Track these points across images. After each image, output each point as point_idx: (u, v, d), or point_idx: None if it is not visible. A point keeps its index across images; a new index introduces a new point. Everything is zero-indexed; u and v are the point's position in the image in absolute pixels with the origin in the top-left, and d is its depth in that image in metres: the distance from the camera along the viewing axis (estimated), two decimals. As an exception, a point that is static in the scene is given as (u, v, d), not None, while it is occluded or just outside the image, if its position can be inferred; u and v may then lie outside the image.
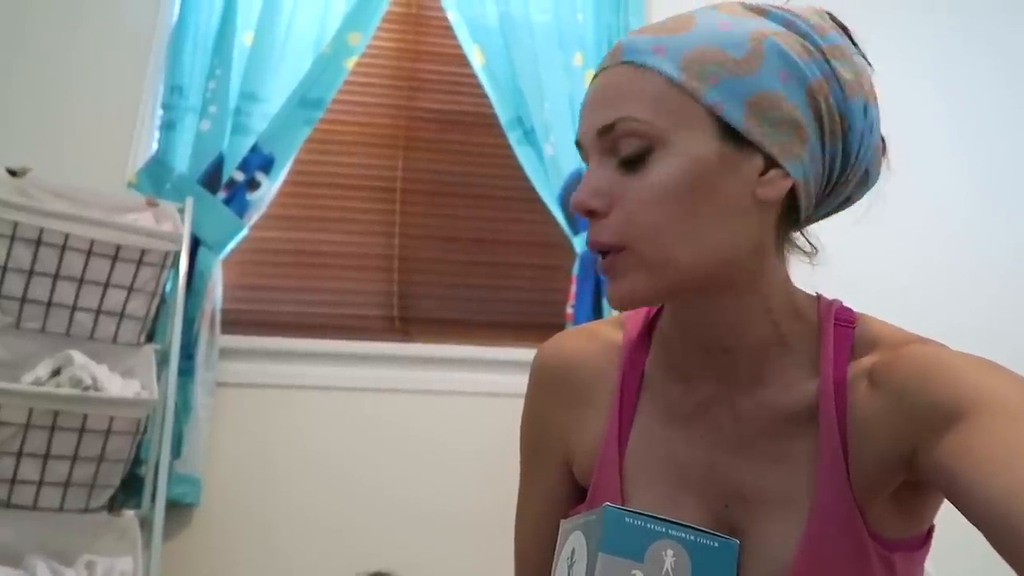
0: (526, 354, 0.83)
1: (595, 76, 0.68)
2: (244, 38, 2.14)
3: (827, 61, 0.65)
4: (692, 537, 0.58)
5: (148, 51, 2.15)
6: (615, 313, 0.79)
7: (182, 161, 2.04)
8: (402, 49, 2.41)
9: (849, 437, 0.65)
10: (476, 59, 2.31)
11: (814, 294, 0.73)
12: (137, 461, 1.81)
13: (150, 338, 1.88)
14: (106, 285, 1.76)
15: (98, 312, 1.77)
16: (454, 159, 2.38)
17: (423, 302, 2.31)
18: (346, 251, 2.28)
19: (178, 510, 1.91)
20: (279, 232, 2.23)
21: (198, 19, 2.13)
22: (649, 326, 0.77)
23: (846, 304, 0.72)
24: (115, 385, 1.71)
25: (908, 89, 2.56)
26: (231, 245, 2.07)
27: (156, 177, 2.01)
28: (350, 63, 2.19)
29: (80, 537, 1.67)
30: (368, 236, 2.30)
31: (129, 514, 1.72)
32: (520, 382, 0.83)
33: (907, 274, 2.36)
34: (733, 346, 0.69)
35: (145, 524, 1.73)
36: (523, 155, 2.28)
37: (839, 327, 0.69)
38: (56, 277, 1.72)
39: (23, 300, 1.71)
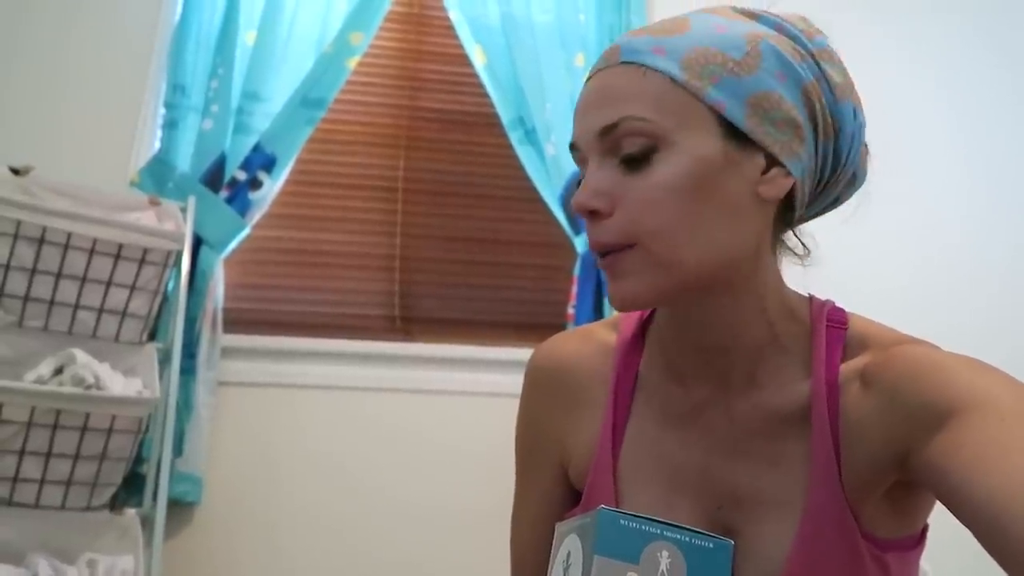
0: (527, 354, 0.84)
1: (590, 78, 0.68)
2: (246, 37, 2.15)
3: (817, 64, 0.66)
4: (687, 538, 0.58)
5: (150, 50, 2.15)
6: (615, 314, 0.80)
7: (184, 160, 2.04)
8: (404, 49, 2.41)
9: (842, 438, 0.65)
10: (478, 59, 2.31)
11: (806, 295, 0.74)
12: (139, 460, 1.82)
13: (152, 337, 1.89)
14: (108, 284, 1.77)
15: (100, 311, 1.77)
16: (456, 159, 2.38)
17: (424, 302, 2.31)
18: (348, 250, 2.28)
19: (180, 509, 1.92)
20: (281, 231, 2.23)
21: (200, 18, 2.13)
22: (643, 327, 0.78)
23: (839, 305, 0.73)
24: (117, 384, 1.72)
25: (909, 88, 2.56)
26: (233, 244, 2.07)
27: (158, 176, 2.02)
28: (352, 63, 2.20)
29: (82, 535, 1.67)
30: (370, 236, 2.30)
31: (131, 512, 1.73)
32: (521, 382, 0.83)
33: (907, 274, 2.36)
34: (729, 347, 0.69)
35: (147, 523, 1.74)
36: (524, 155, 2.28)
37: (831, 328, 0.69)
38: (59, 276, 1.72)
39: (26, 298, 1.71)
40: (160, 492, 1.75)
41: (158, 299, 1.86)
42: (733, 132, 0.63)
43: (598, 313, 2.17)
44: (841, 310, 0.72)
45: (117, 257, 1.76)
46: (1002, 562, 0.48)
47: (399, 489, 2.09)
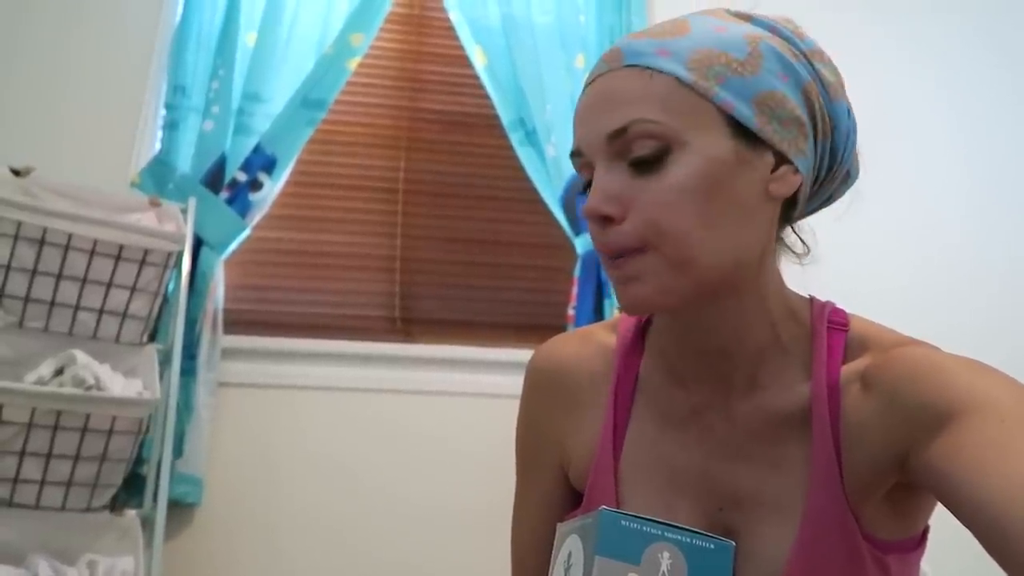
0: (527, 355, 0.84)
1: (591, 82, 0.67)
2: (247, 38, 2.15)
3: (811, 64, 0.67)
4: (688, 539, 0.58)
5: (151, 51, 2.15)
6: (615, 315, 0.80)
7: (185, 161, 2.04)
8: (404, 50, 2.41)
9: (842, 440, 0.65)
10: (478, 60, 2.31)
11: (807, 296, 0.74)
12: (139, 461, 1.82)
13: (152, 338, 1.89)
14: (109, 285, 1.77)
15: (101, 312, 1.77)
16: (456, 160, 2.38)
17: (425, 303, 2.31)
18: (348, 252, 2.28)
19: (180, 510, 1.92)
20: (281, 232, 2.23)
21: (201, 19, 2.13)
22: (642, 329, 0.78)
23: (839, 306, 0.73)
24: (117, 385, 1.72)
25: (908, 88, 2.56)
26: (233, 245, 2.07)
27: (159, 177, 2.02)
28: (352, 64, 2.20)
29: (82, 536, 1.67)
30: (370, 237, 2.30)
31: (131, 513, 1.73)
32: (521, 383, 0.83)
33: (906, 274, 2.36)
34: (732, 349, 0.69)
35: (147, 524, 1.74)
36: (525, 156, 2.28)
37: (832, 330, 0.70)
38: (59, 277, 1.72)
39: (26, 299, 1.71)
40: (160, 493, 1.75)
41: (158, 300, 1.86)
42: (742, 131, 0.63)
43: (598, 314, 2.17)
44: (842, 311, 0.72)
45: (118, 258, 1.76)
46: (1002, 563, 0.49)
47: (399, 490, 2.09)
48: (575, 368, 0.78)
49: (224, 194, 2.03)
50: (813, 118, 0.66)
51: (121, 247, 1.76)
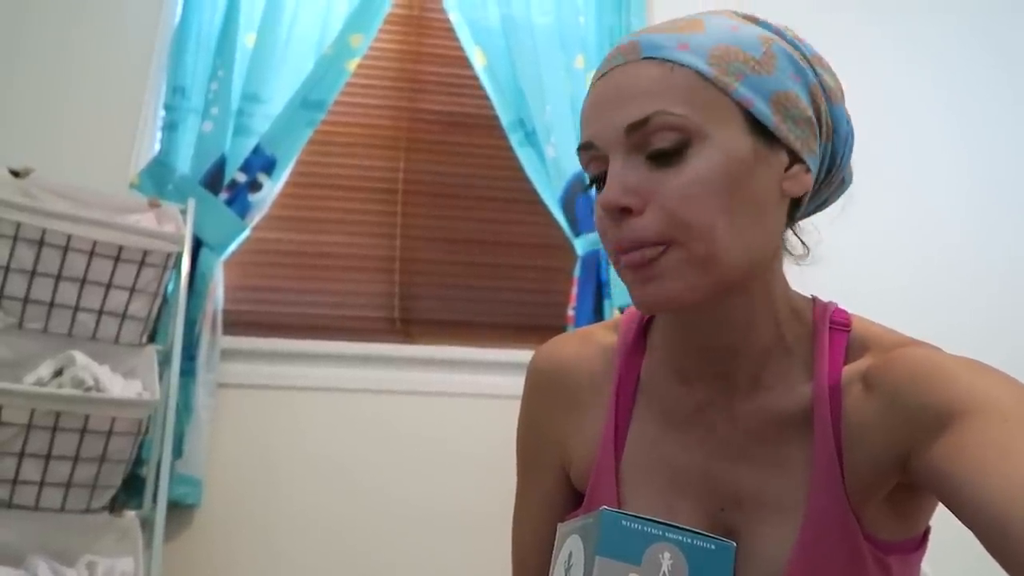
0: (527, 356, 0.84)
1: (604, 74, 0.66)
2: (246, 39, 2.15)
3: (813, 68, 0.67)
4: (689, 540, 0.58)
5: (150, 52, 2.15)
6: (616, 316, 0.80)
7: (184, 162, 2.04)
8: (404, 51, 2.41)
9: (844, 440, 0.65)
10: (478, 61, 2.31)
11: (809, 296, 0.74)
12: (138, 462, 1.81)
13: (152, 339, 1.89)
14: (108, 286, 1.76)
15: (100, 313, 1.77)
16: (455, 161, 2.38)
17: (424, 303, 2.31)
18: (347, 252, 2.28)
19: (179, 511, 1.92)
20: (281, 233, 2.23)
21: (200, 20, 2.13)
22: (644, 329, 0.78)
23: (841, 306, 0.73)
24: (117, 386, 1.72)
25: (906, 88, 2.56)
26: (233, 246, 2.07)
27: (158, 178, 2.02)
28: (352, 65, 2.20)
29: (81, 537, 1.67)
30: (369, 237, 2.30)
31: (130, 515, 1.73)
32: (521, 384, 0.83)
33: (907, 274, 2.36)
34: (737, 348, 0.69)
35: (146, 525, 1.74)
36: (524, 157, 2.28)
37: (834, 330, 0.70)
38: (58, 278, 1.72)
39: (25, 300, 1.71)
40: (160, 494, 1.74)
41: (158, 301, 1.85)
42: (759, 129, 0.63)
43: (598, 315, 2.17)
44: (844, 312, 0.72)
45: (117, 259, 1.76)
46: (1003, 563, 0.49)
47: (399, 491, 2.09)
48: (576, 368, 0.78)
49: (223, 195, 2.03)
50: (819, 121, 0.66)
51: (120, 248, 1.75)
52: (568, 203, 2.22)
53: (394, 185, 2.34)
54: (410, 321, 2.28)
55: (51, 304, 1.73)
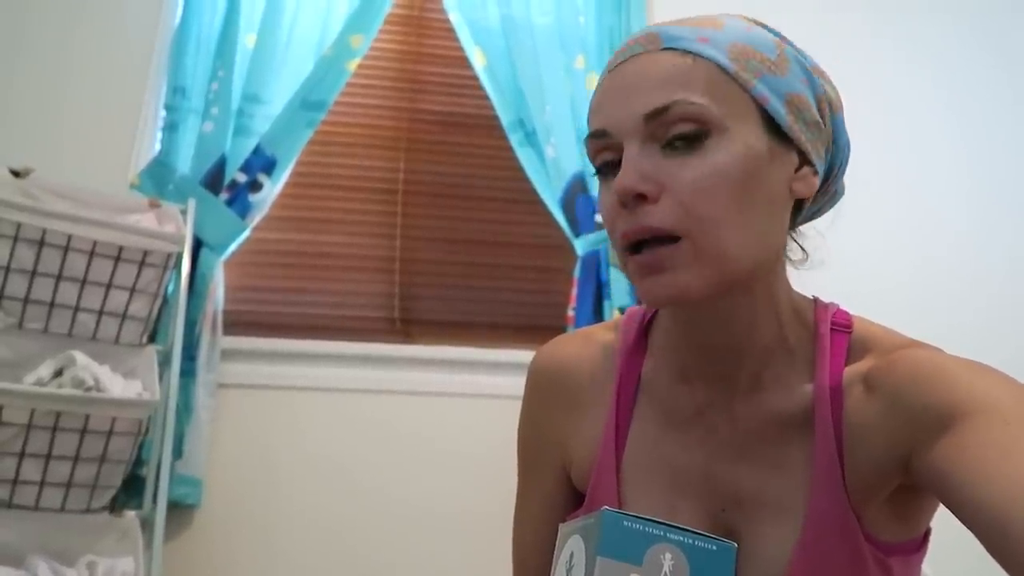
0: (527, 356, 0.84)
1: (620, 63, 0.66)
2: (247, 40, 2.15)
3: (817, 78, 0.68)
4: (690, 541, 0.58)
5: (151, 52, 2.15)
6: (616, 316, 0.80)
7: (184, 162, 2.04)
8: (404, 51, 2.41)
9: (845, 441, 0.65)
10: (478, 61, 2.31)
11: (811, 297, 0.74)
12: (138, 462, 1.81)
13: (152, 339, 1.89)
14: (108, 286, 1.76)
15: (100, 313, 1.77)
16: (455, 161, 2.38)
17: (424, 304, 2.31)
18: (347, 252, 2.28)
19: (179, 511, 1.92)
20: (281, 233, 2.23)
21: (201, 21, 2.13)
22: (645, 329, 0.78)
23: (843, 308, 0.73)
24: (117, 386, 1.72)
25: (908, 88, 2.56)
26: (233, 246, 2.07)
27: (158, 178, 2.02)
28: (352, 65, 2.20)
29: (81, 538, 1.67)
30: (369, 238, 2.30)
31: (130, 515, 1.73)
32: (521, 384, 0.83)
33: (907, 274, 2.36)
34: (740, 347, 0.69)
35: (146, 525, 1.73)
36: (524, 157, 2.28)
37: (836, 331, 0.70)
38: (59, 278, 1.72)
39: (26, 300, 1.71)
40: (160, 494, 1.74)
41: (158, 301, 1.85)
42: (773, 128, 0.64)
43: (598, 315, 2.17)
44: (845, 313, 0.72)
45: (117, 259, 1.76)
46: (1003, 564, 0.49)
47: (399, 491, 2.09)
48: (577, 368, 0.78)
49: (224, 195, 2.03)
50: (825, 127, 0.67)
51: (121, 248, 1.76)
52: (568, 203, 2.22)
53: (394, 185, 2.34)
54: (410, 321, 2.28)
55: (51, 304, 1.73)
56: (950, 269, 2.41)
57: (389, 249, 2.30)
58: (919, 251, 2.42)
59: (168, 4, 2.20)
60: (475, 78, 2.33)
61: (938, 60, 2.61)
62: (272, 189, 2.11)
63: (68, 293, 1.73)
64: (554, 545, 0.64)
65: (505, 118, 2.30)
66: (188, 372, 1.93)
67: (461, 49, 2.35)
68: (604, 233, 2.18)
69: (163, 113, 2.11)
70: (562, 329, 2.20)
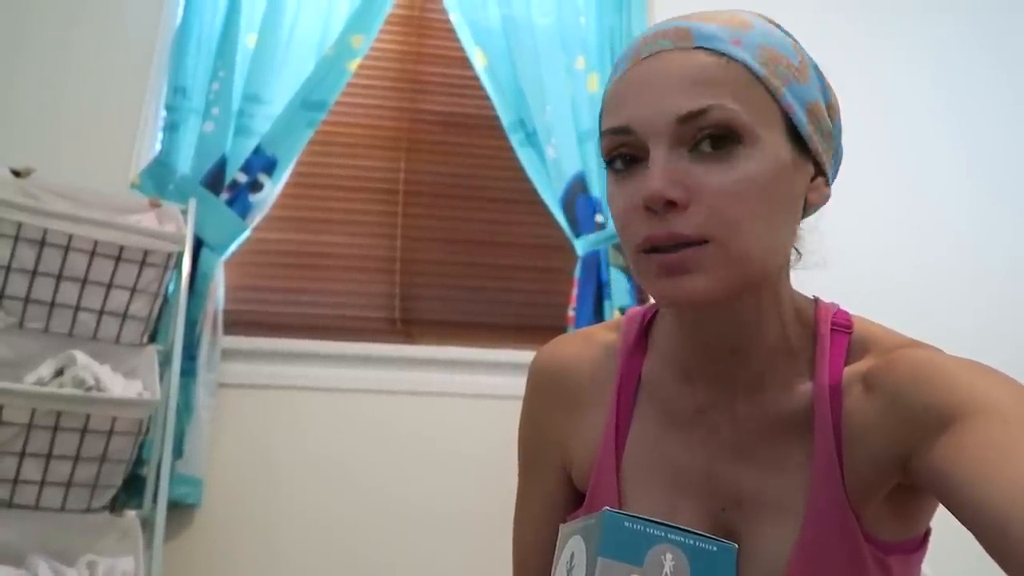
0: (527, 356, 0.84)
1: (647, 57, 0.63)
2: (247, 40, 2.15)
3: (827, 85, 0.68)
4: (691, 541, 0.58)
5: (151, 52, 2.15)
6: (617, 316, 0.80)
7: (185, 162, 2.04)
8: (404, 51, 2.41)
9: (844, 441, 0.65)
10: (478, 61, 2.31)
11: (812, 297, 0.74)
12: (139, 461, 1.81)
13: (152, 339, 1.89)
14: (109, 286, 1.76)
15: (101, 312, 1.77)
16: (456, 161, 2.38)
17: (425, 304, 2.31)
18: (348, 253, 2.28)
19: (180, 511, 1.92)
20: (281, 233, 2.23)
21: (201, 21, 2.13)
22: (646, 329, 0.78)
23: (843, 308, 0.73)
24: (117, 385, 1.72)
25: (908, 88, 2.56)
26: (233, 246, 2.07)
27: (159, 178, 2.02)
28: (353, 65, 2.20)
29: (82, 537, 1.67)
30: (370, 238, 2.30)
31: (131, 514, 1.73)
32: (521, 384, 0.83)
33: (907, 274, 2.36)
34: (743, 348, 0.69)
35: (147, 524, 1.74)
36: (525, 157, 2.28)
37: (836, 332, 0.70)
38: (59, 277, 1.72)
39: (26, 300, 1.71)
40: (160, 494, 1.74)
41: (159, 301, 1.85)
42: (795, 136, 0.63)
43: (598, 316, 2.17)
44: (846, 313, 0.72)
45: (118, 259, 1.76)
46: (1002, 564, 0.49)
47: (399, 491, 2.09)
48: (577, 368, 0.78)
49: (224, 195, 2.03)
50: (833, 136, 0.67)
51: (121, 248, 1.76)
52: (568, 203, 2.22)
53: (395, 186, 2.34)
54: (410, 321, 2.28)
55: (52, 304, 1.73)
56: (950, 269, 2.41)
57: (390, 249, 2.30)
58: (919, 251, 2.42)
59: (169, 4, 2.20)
60: (476, 78, 2.33)
61: (938, 60, 2.61)
62: (273, 189, 2.11)
63: (69, 293, 1.73)
64: (554, 545, 0.64)
65: (506, 118, 2.30)
66: (188, 372, 1.93)
67: (462, 49, 2.35)
68: (604, 233, 2.18)
69: (164, 113, 2.11)
70: (562, 329, 2.20)
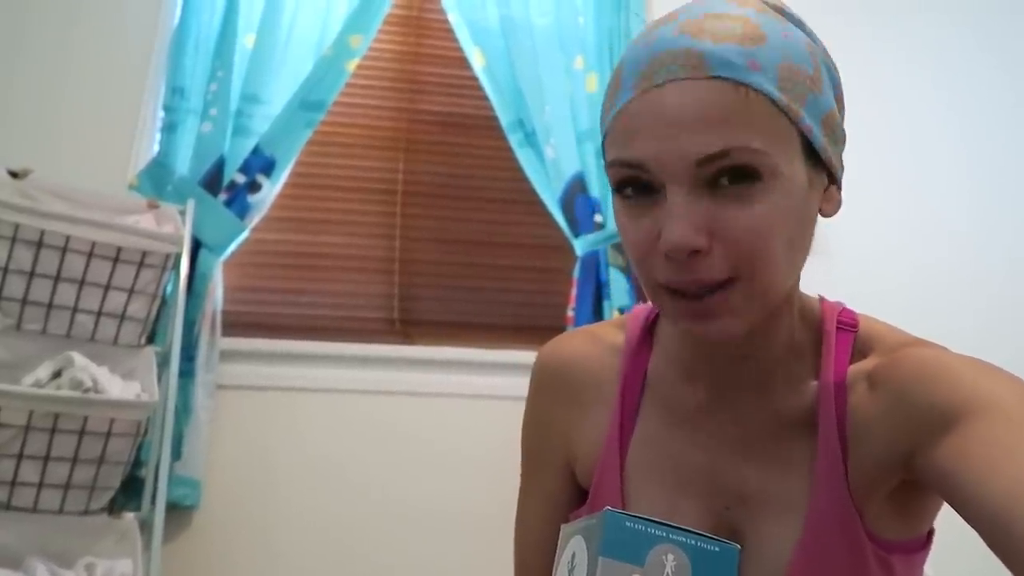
0: (526, 357, 0.83)
1: (659, 85, 0.58)
2: (245, 40, 2.15)
3: (837, 77, 0.66)
4: (693, 542, 0.58)
5: (150, 53, 2.15)
6: (617, 315, 0.79)
7: (183, 163, 2.04)
8: (403, 51, 2.41)
9: (848, 439, 0.65)
10: (477, 61, 2.31)
11: (816, 296, 0.74)
12: (137, 463, 1.81)
13: (151, 340, 1.88)
14: (107, 287, 1.76)
15: (99, 314, 1.77)
16: (455, 161, 2.38)
17: (423, 304, 2.31)
18: (347, 253, 2.28)
19: (178, 512, 1.91)
20: (280, 234, 2.23)
21: (199, 21, 2.13)
22: (650, 327, 0.77)
23: (848, 307, 0.73)
24: (115, 387, 1.71)
25: (908, 88, 2.56)
26: (232, 247, 2.07)
27: (157, 179, 2.01)
28: (351, 65, 2.19)
29: (80, 539, 1.67)
30: (369, 238, 2.30)
31: (129, 516, 1.72)
32: (520, 384, 0.83)
33: (908, 274, 2.36)
34: (752, 353, 0.68)
35: (145, 526, 1.73)
36: (524, 158, 2.28)
37: (841, 330, 0.69)
38: (57, 279, 1.72)
39: (24, 302, 1.71)
40: (159, 496, 1.74)
41: (157, 302, 1.85)
42: (810, 151, 0.61)
43: (597, 316, 2.16)
44: (851, 312, 0.72)
45: (116, 260, 1.76)
46: (1006, 562, 0.49)
47: (398, 492, 2.09)
48: (581, 366, 0.78)
49: (222, 196, 2.03)
50: (844, 136, 0.66)
51: (119, 249, 1.75)
52: (567, 204, 2.22)
53: (393, 186, 2.33)
54: (409, 322, 2.27)
55: (49, 305, 1.72)
56: (950, 270, 2.42)
57: (388, 250, 2.30)
58: (919, 251, 2.42)
59: (167, 4, 2.19)
60: (474, 78, 2.33)
61: (938, 61, 2.62)
62: (271, 190, 2.11)
63: (66, 294, 1.73)
64: (556, 545, 0.64)
65: (504, 118, 2.29)
66: (187, 373, 1.92)
67: (460, 49, 2.35)
68: (603, 234, 2.18)
69: (162, 114, 2.10)
70: (561, 330, 2.19)
